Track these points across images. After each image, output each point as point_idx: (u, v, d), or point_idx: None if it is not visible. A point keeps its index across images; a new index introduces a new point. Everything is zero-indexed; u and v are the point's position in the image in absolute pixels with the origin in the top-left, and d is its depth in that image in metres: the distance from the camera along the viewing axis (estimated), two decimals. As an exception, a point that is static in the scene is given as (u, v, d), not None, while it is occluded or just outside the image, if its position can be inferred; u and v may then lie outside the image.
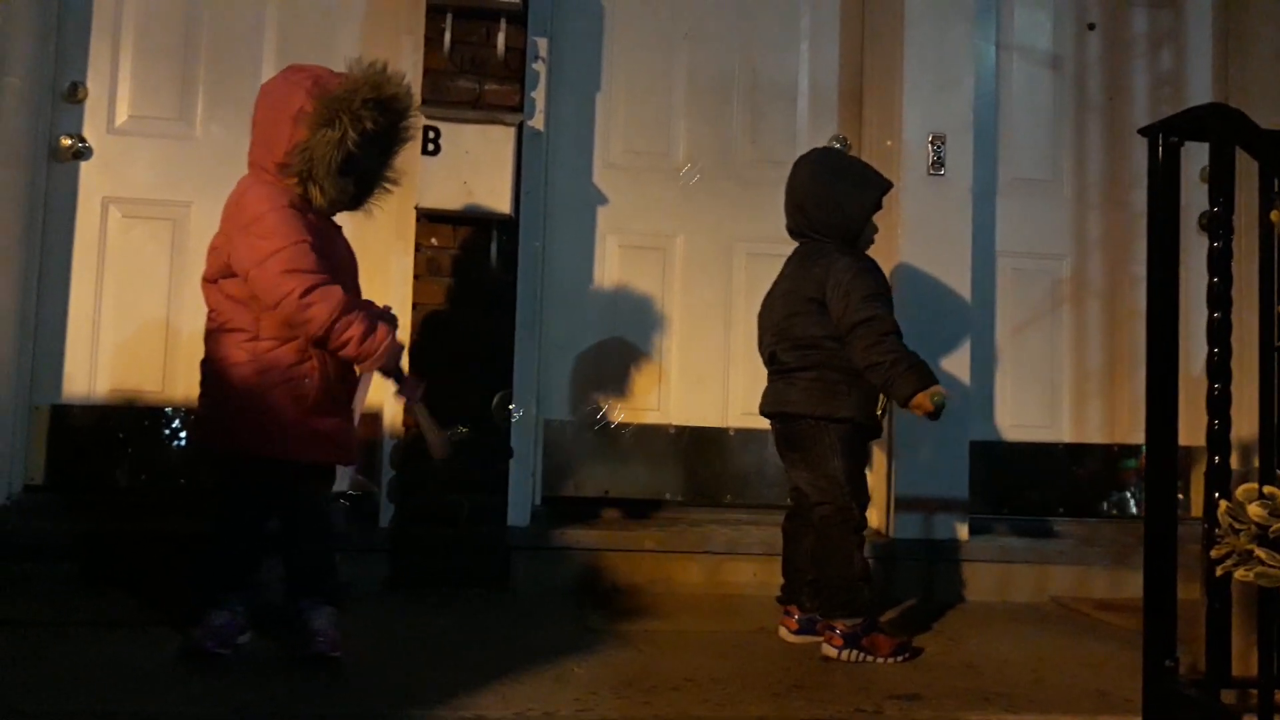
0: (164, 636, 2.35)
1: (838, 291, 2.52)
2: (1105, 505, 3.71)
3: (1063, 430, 3.71)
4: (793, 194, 2.70)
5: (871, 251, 3.53)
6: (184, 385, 3.26)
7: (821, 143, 3.61)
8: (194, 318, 2.92)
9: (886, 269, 3.37)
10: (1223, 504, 1.75)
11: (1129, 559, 3.32)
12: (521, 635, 2.58)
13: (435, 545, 3.06)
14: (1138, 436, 3.69)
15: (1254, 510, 1.63)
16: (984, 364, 3.59)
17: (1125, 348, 3.72)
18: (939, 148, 3.36)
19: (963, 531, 3.31)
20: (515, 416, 2.99)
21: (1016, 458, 3.66)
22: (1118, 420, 3.72)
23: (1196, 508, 3.74)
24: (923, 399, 2.45)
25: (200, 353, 2.37)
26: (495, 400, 2.96)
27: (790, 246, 2.76)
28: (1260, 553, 1.62)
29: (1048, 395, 3.72)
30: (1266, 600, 1.72)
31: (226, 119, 3.33)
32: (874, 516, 3.38)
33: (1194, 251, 3.74)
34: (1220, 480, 1.82)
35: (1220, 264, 1.89)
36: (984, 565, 3.28)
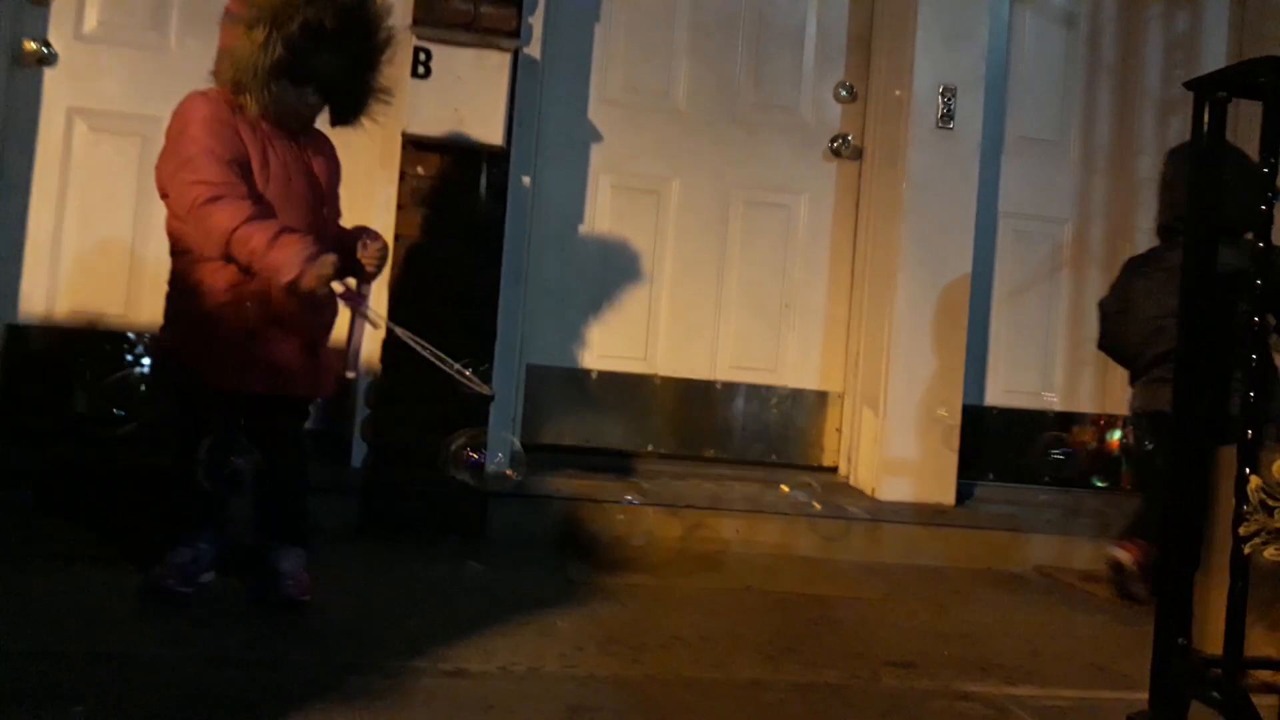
0: (124, 571, 2.21)
1: None
2: (1092, 476, 3.65)
3: (1054, 398, 3.65)
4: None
5: (878, 206, 3.45)
6: (149, 310, 3.07)
7: (828, 90, 3.50)
8: (161, 240, 2.73)
9: (890, 224, 3.30)
10: (1254, 479, 1.68)
11: (1113, 531, 3.29)
12: (500, 585, 2.48)
13: (410, 489, 2.94)
14: (1127, 407, 3.66)
15: (1296, 487, 1.55)
16: (979, 327, 3.51)
17: (1122, 317, 3.65)
18: (949, 100, 3.25)
19: (949, 497, 3.25)
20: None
21: (1006, 424, 3.60)
22: (1109, 391, 3.66)
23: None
24: None
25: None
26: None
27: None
28: (1299, 532, 1.55)
29: (1041, 362, 3.64)
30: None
31: (202, 32, 3.10)
32: (865, 478, 3.31)
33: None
34: (1251, 454, 1.73)
35: (1266, 229, 1.79)
36: (969, 531, 3.22)
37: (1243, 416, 1.78)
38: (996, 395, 3.60)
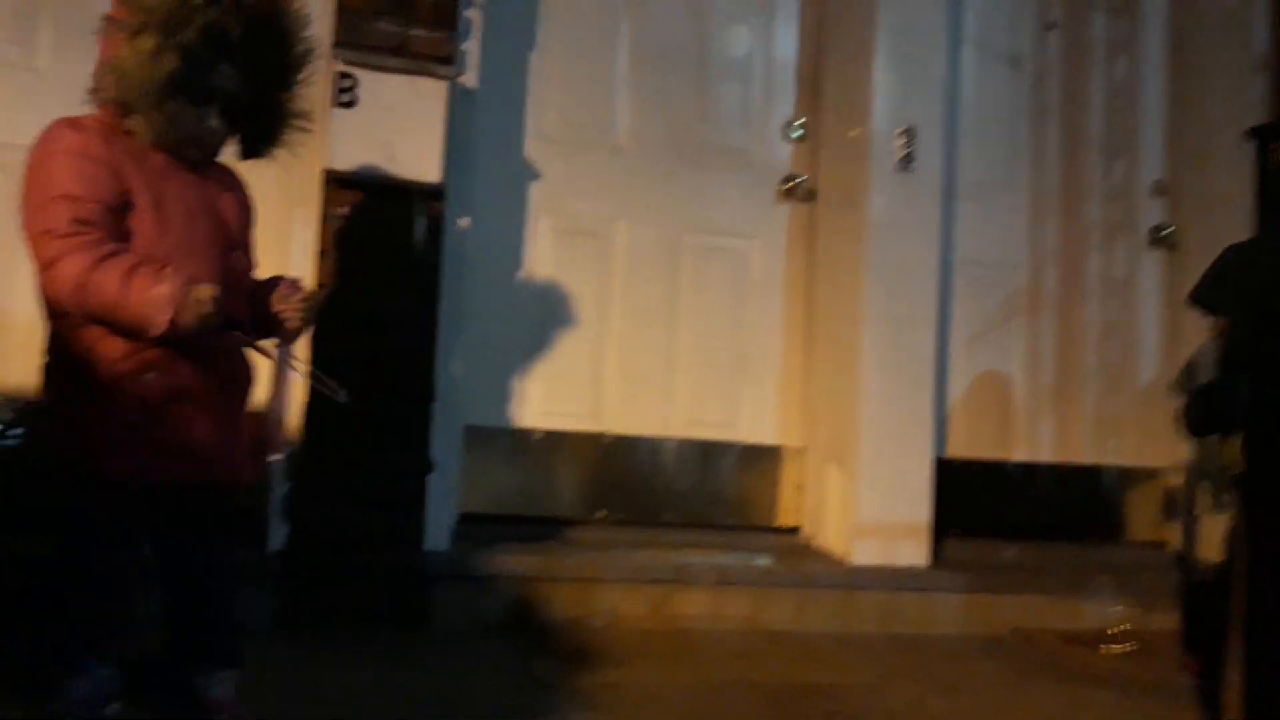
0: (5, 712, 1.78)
1: None
2: (1056, 528, 3.50)
3: (1014, 449, 3.50)
4: None
5: (836, 252, 3.26)
6: (17, 374, 2.62)
7: (777, 128, 3.31)
8: (30, 294, 2.32)
9: (852, 270, 3.12)
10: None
11: (1085, 586, 3.16)
12: (463, 692, 2.13)
13: (339, 575, 2.55)
14: (1088, 456, 3.56)
15: None
16: (939, 378, 3.33)
17: (1078, 363, 3.56)
18: (910, 142, 3.09)
19: (923, 558, 3.04)
20: None
21: (968, 477, 3.42)
22: (1069, 439, 3.54)
23: (1138, 531, 3.63)
24: None
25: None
26: None
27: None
28: None
29: (1000, 411, 3.50)
30: None
31: (80, 49, 2.69)
32: (834, 540, 3.07)
33: (1145, 266, 3.68)
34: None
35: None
36: (946, 595, 3.02)
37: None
38: (958, 447, 3.43)
